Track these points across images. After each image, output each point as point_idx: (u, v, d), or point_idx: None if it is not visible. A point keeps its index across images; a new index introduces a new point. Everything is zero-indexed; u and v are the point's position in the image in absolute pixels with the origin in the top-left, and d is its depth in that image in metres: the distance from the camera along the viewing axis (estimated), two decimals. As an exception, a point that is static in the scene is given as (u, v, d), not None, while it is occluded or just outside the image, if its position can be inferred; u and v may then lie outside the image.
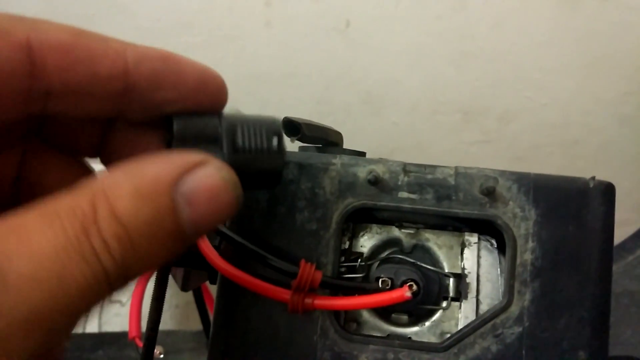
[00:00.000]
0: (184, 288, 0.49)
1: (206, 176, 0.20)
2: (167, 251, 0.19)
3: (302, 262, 0.28)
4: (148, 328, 0.35)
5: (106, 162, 0.26)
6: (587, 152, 1.16)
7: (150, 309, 0.34)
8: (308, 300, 0.28)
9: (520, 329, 0.28)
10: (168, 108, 0.23)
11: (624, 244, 0.62)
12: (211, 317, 0.33)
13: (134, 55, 0.22)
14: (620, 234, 0.65)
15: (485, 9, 1.00)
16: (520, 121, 1.11)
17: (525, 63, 1.05)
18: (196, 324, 0.70)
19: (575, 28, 1.02)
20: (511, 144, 1.15)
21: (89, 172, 0.27)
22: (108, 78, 0.22)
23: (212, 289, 0.58)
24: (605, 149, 1.15)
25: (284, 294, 0.28)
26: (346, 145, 0.39)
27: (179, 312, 0.84)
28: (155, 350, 0.36)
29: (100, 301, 0.18)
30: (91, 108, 0.23)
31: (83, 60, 0.21)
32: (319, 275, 0.28)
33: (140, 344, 0.51)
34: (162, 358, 0.56)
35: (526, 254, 0.29)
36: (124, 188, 0.18)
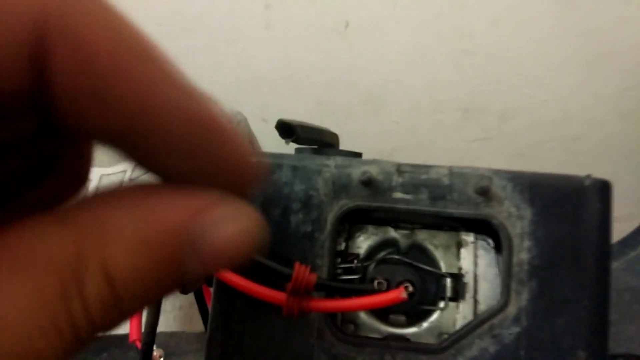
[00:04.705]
0: (183, 291, 0.49)
1: (226, 224, 0.16)
2: (153, 300, 0.16)
3: (297, 264, 0.28)
4: (145, 332, 0.35)
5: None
6: (587, 148, 1.16)
7: (147, 313, 0.33)
8: (303, 303, 0.28)
9: (518, 329, 0.28)
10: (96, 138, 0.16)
11: (625, 240, 0.62)
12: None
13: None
14: (621, 230, 0.64)
15: (483, 6, 1.00)
16: (520, 118, 1.11)
17: (525, 60, 1.05)
18: (199, 326, 0.70)
19: (574, 23, 1.02)
20: (512, 141, 1.15)
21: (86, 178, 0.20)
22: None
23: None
24: (605, 144, 1.15)
25: (279, 296, 0.28)
26: (347, 145, 0.39)
27: (182, 313, 0.84)
28: (154, 353, 0.36)
29: None
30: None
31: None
32: (313, 278, 0.28)
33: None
34: (162, 361, 0.56)
35: (522, 253, 0.29)
36: (121, 236, 0.15)
